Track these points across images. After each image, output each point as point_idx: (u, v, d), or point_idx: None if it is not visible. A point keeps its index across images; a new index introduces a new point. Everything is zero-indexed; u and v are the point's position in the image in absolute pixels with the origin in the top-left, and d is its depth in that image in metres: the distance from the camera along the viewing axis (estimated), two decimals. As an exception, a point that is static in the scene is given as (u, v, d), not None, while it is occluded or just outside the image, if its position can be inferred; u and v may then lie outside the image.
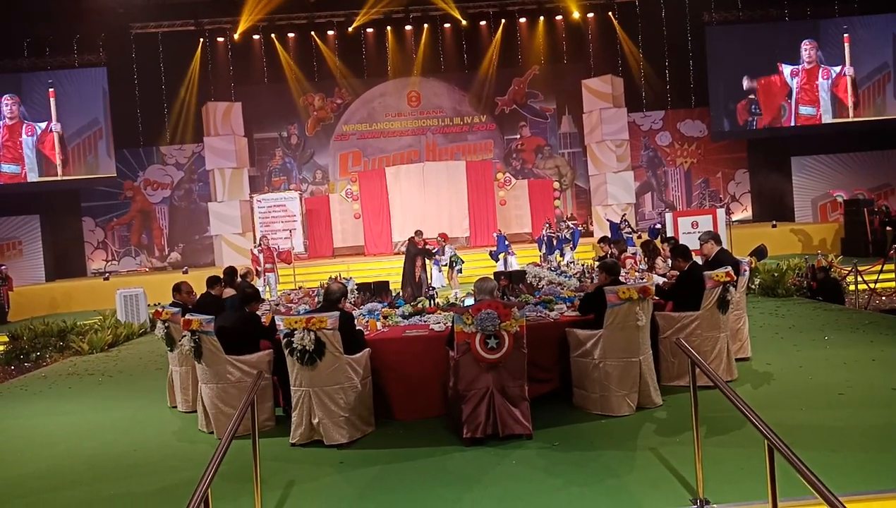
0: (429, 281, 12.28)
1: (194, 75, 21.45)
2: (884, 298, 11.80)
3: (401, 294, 9.89)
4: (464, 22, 21.28)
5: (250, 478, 4.21)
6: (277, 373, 5.91)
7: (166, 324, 6.59)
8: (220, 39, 21.51)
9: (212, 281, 7.33)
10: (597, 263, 8.48)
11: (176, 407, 6.79)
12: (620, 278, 7.71)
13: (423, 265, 12.33)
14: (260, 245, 15.02)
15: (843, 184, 21.34)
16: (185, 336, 5.77)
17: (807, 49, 20.73)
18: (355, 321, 5.85)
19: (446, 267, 13.96)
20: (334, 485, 4.62)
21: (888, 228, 16.15)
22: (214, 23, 20.67)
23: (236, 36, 20.94)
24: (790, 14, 20.90)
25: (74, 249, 21.57)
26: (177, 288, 7.14)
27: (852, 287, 11.84)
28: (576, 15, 21.37)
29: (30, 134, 20.31)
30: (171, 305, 6.87)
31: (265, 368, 5.74)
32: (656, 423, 5.35)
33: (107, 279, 18.36)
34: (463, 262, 13.95)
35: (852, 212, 17.49)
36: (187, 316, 5.83)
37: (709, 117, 21.60)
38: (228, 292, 7.43)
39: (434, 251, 13.07)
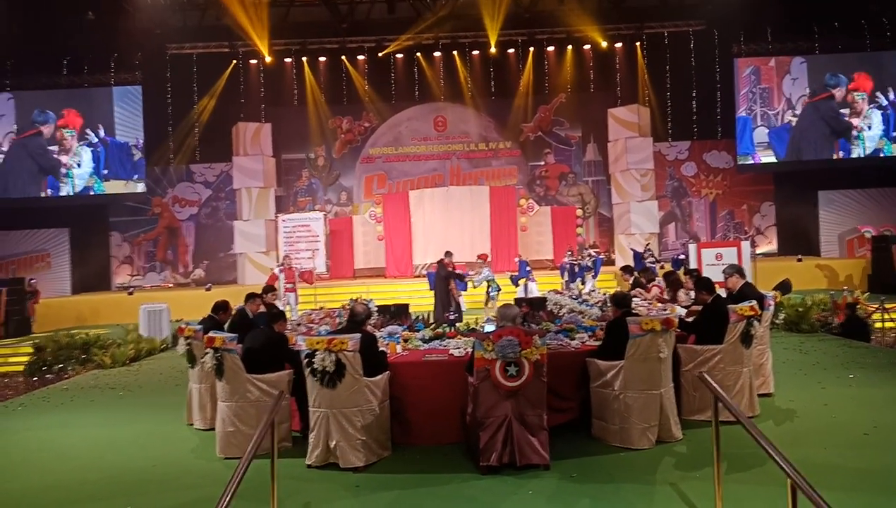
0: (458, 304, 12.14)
1: (224, 95, 21.81)
2: (912, 337, 11.55)
3: (431, 317, 9.80)
4: (493, 49, 21.49)
5: (266, 498, 4.23)
6: (295, 394, 5.93)
7: (188, 341, 6.66)
8: (253, 62, 21.93)
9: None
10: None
11: (193, 424, 6.84)
12: (642, 308, 7.69)
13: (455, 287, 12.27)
14: (282, 264, 15.13)
15: (871, 220, 21.04)
16: (207, 353, 5.83)
17: (835, 83, 20.65)
18: (378, 343, 5.88)
19: (481, 287, 13.55)
20: (350, 508, 4.61)
21: (917, 266, 15.87)
22: (248, 45, 21.08)
23: (267, 58, 21.32)
24: (821, 48, 20.81)
25: (101, 263, 21.89)
26: (223, 308, 7.13)
27: (879, 324, 11.62)
28: (603, 45, 21.48)
29: (68, 150, 20.79)
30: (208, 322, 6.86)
31: (285, 388, 5.77)
32: (676, 457, 5.28)
33: (131, 293, 18.59)
34: (500, 289, 13.42)
35: (880, 248, 17.20)
36: (211, 334, 5.89)
37: (735, 148, 21.48)
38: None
39: (464, 275, 12.90)
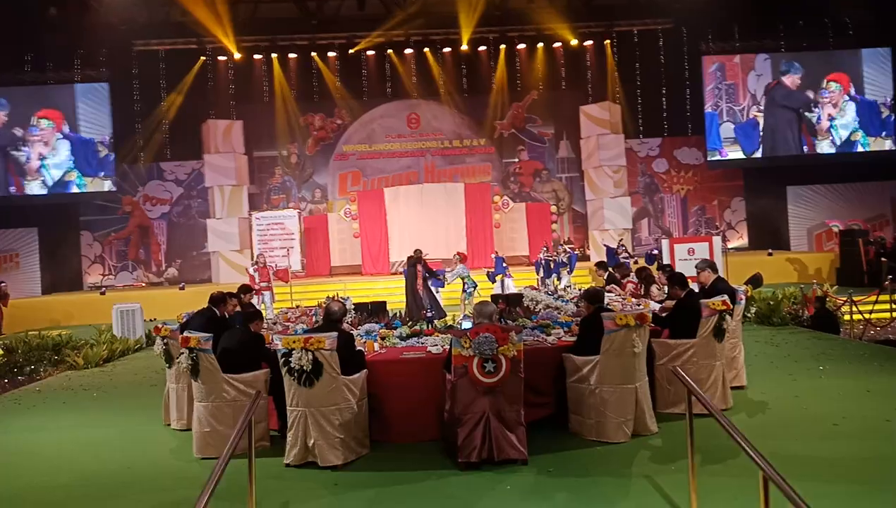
0: (423, 298, 11.97)
1: (193, 92, 21.52)
2: (878, 329, 11.83)
3: (404, 314, 9.76)
4: (464, 47, 21.49)
5: (244, 498, 4.21)
6: (273, 393, 5.91)
7: (165, 341, 6.59)
8: (222, 58, 21.68)
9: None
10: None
11: (170, 424, 6.77)
12: (617, 303, 7.78)
13: (425, 280, 12.13)
14: (256, 263, 15.01)
15: (839, 214, 21.49)
16: (182, 353, 5.78)
17: (795, 80, 21.10)
18: (355, 341, 5.87)
19: (456, 284, 13.42)
20: (329, 507, 4.61)
21: (883, 259, 16.21)
22: (217, 41, 20.83)
23: (236, 55, 21.10)
24: (786, 46, 21.18)
25: (71, 263, 21.52)
26: (221, 300, 6.99)
27: (847, 317, 11.88)
28: (574, 43, 21.60)
29: (36, 148, 20.41)
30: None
31: (262, 387, 5.75)
32: (651, 451, 5.36)
33: (103, 293, 18.33)
34: (476, 286, 13.29)
35: (848, 242, 17.56)
36: (186, 333, 5.84)
37: (705, 145, 21.76)
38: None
39: (438, 272, 12.81)
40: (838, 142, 21.06)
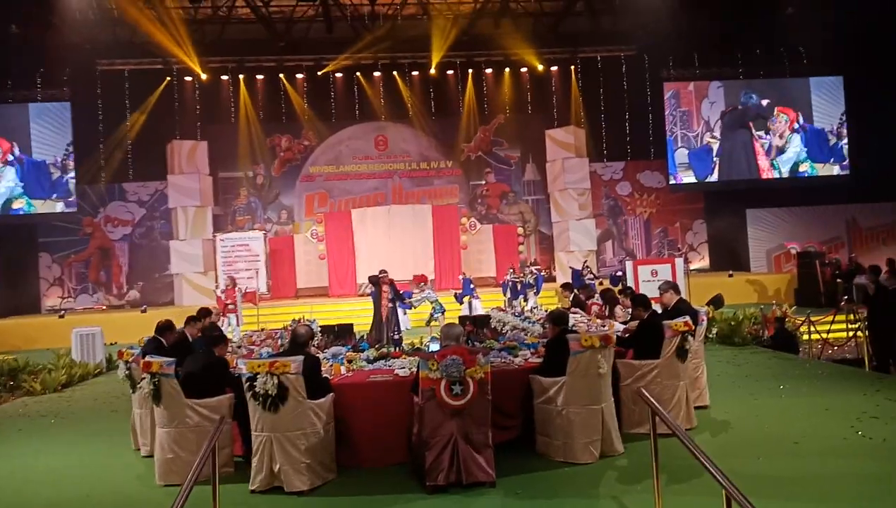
0: (389, 320, 11.87)
1: (159, 112, 21.27)
2: (836, 348, 12.11)
3: (369, 336, 9.73)
4: (433, 70, 21.69)
5: (209, 526, 4.14)
6: (237, 418, 5.82)
7: (128, 365, 6.47)
8: (188, 78, 21.52)
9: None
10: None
11: (139, 449, 6.61)
12: (582, 325, 7.85)
13: (393, 305, 12.03)
14: (225, 285, 14.76)
15: (796, 237, 22.02)
16: (143, 378, 5.68)
17: (754, 106, 21.78)
18: (321, 365, 5.83)
19: (423, 307, 13.37)
20: (295, 533, 4.56)
21: (839, 280, 16.64)
22: (182, 62, 20.67)
23: (202, 76, 20.97)
24: (744, 73, 21.84)
25: (29, 285, 20.97)
26: (168, 328, 6.89)
27: (806, 337, 12.15)
28: (540, 68, 21.94)
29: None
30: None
31: (226, 412, 5.66)
32: (618, 471, 5.40)
33: (62, 317, 17.89)
34: (444, 310, 13.22)
35: (805, 263, 18.00)
36: (147, 358, 5.74)
37: (666, 169, 22.21)
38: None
39: (404, 295, 12.74)
40: (785, 172, 21.79)
